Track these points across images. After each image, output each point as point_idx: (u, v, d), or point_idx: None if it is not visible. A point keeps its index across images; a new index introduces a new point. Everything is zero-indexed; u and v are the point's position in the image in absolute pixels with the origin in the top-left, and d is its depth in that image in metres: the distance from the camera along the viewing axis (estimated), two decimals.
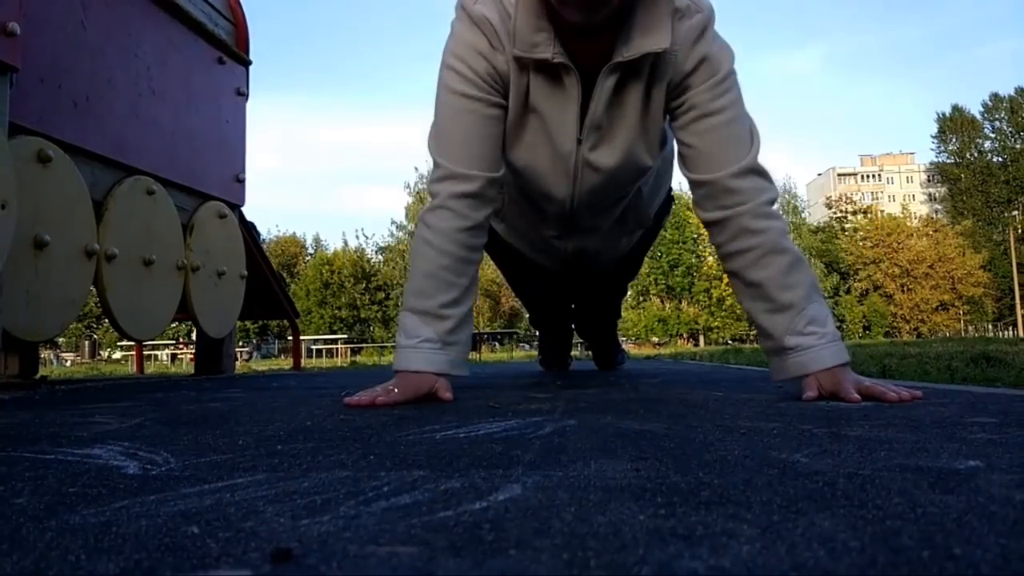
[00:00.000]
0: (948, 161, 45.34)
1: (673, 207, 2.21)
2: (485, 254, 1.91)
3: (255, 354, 25.58)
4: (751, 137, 1.32)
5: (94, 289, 2.32)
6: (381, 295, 32.25)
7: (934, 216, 44.36)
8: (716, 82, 1.30)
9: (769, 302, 1.25)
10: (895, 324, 35.49)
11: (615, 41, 1.27)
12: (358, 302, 32.00)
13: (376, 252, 34.77)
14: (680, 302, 33.77)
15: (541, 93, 1.34)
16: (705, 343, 31.68)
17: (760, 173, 1.30)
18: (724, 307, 34.16)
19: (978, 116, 44.70)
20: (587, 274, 2.08)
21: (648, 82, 1.33)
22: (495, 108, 1.34)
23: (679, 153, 1.39)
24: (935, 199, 49.19)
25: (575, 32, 1.26)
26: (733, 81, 1.33)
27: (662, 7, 1.24)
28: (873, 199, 50.23)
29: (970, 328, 36.15)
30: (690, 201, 1.40)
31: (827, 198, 45.20)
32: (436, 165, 1.35)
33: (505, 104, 1.36)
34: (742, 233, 1.27)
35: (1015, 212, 40.96)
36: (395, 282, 31.72)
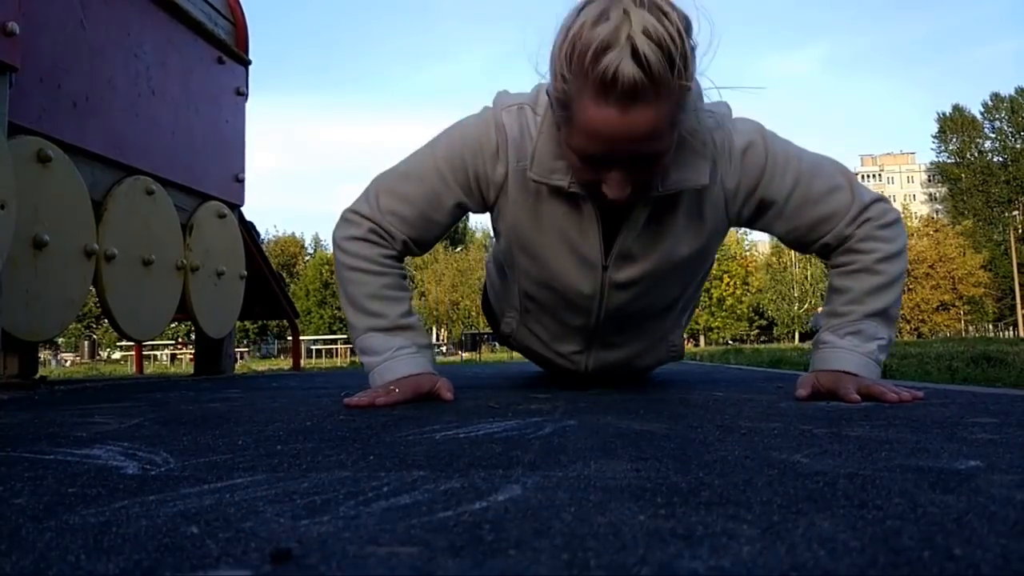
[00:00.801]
0: (948, 161, 45.40)
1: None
2: (487, 249, 1.86)
3: (247, 353, 25.56)
4: (839, 177, 1.27)
5: (93, 289, 2.32)
6: None
7: (934, 216, 44.39)
8: (772, 163, 1.24)
9: (834, 305, 1.26)
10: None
11: None
12: None
13: None
14: None
15: (559, 214, 1.28)
16: (705, 343, 31.69)
17: (873, 203, 1.26)
18: (724, 307, 34.16)
19: (978, 116, 44.81)
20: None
21: (694, 209, 1.27)
22: (455, 204, 1.30)
23: (783, 240, 1.35)
24: (935, 199, 49.23)
25: None
26: (780, 145, 1.26)
27: (696, 142, 1.17)
28: None
29: (970, 328, 36.17)
30: None
31: None
32: (368, 198, 1.32)
33: (473, 208, 1.33)
34: (849, 251, 1.27)
35: (1015, 212, 40.94)
36: None
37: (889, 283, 1.24)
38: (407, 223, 1.30)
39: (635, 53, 0.95)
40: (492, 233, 1.49)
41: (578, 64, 0.99)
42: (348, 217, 1.33)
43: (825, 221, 1.26)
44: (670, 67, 0.97)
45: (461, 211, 1.33)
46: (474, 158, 1.27)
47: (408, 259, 1.44)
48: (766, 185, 1.25)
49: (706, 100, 1.16)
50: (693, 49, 1.02)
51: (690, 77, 1.02)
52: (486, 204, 1.33)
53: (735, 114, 1.28)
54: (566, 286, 1.37)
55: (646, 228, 1.27)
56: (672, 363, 1.88)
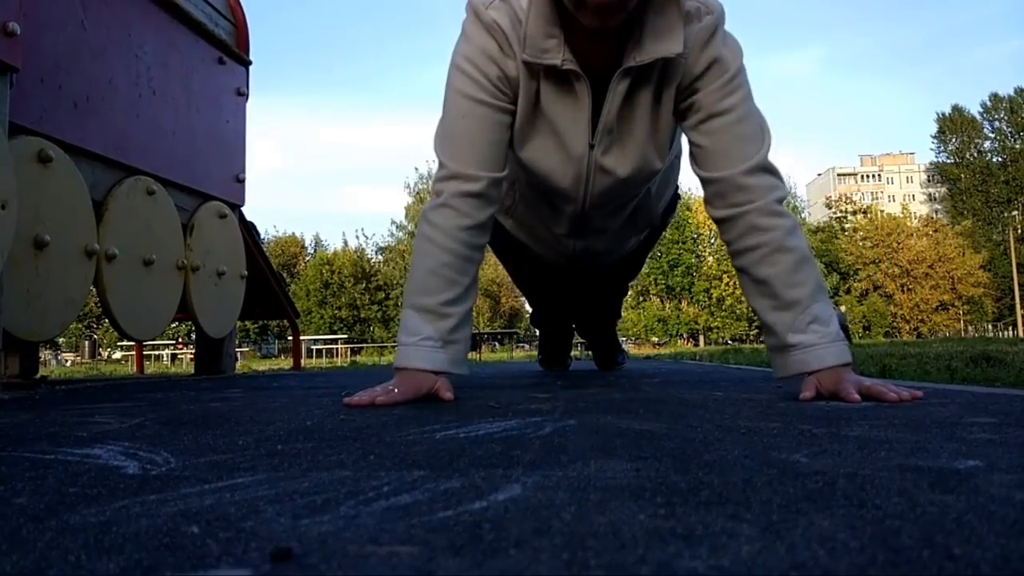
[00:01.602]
0: (948, 161, 45.35)
1: (678, 205, 2.22)
2: (488, 249, 1.92)
3: (247, 353, 25.55)
4: (761, 134, 1.32)
5: (94, 289, 2.32)
6: (381, 295, 32.26)
7: (934, 216, 44.36)
8: (725, 82, 1.31)
9: (774, 299, 1.26)
10: (895, 324, 35.48)
11: (627, 46, 1.28)
12: (358, 302, 32.00)
13: (376, 252, 34.84)
14: (680, 302, 33.75)
15: (552, 97, 1.35)
16: (705, 343, 31.68)
17: (770, 171, 1.31)
18: (724, 307, 34.15)
19: (978, 116, 44.73)
20: (591, 269, 2.09)
21: (658, 85, 1.34)
22: (502, 112, 1.35)
23: (690, 152, 1.40)
24: (935, 199, 49.20)
25: (588, 37, 1.26)
26: (742, 79, 1.33)
27: (673, 12, 1.25)
28: (873, 199, 50.23)
29: (970, 328, 36.16)
30: (690, 202, 1.41)
31: (827, 198, 45.23)
32: (441, 165, 1.35)
33: (513, 108, 1.37)
34: (750, 231, 1.28)
35: (1015, 212, 40.92)
36: (395, 282, 31.76)
37: (805, 257, 1.26)
38: (483, 160, 1.33)
39: None
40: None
41: None
42: (434, 188, 1.36)
43: (730, 157, 1.30)
44: None
45: (511, 115, 1.38)
46: (489, 67, 1.33)
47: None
48: (707, 94, 1.32)
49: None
50: None
51: None
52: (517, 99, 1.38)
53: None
54: (554, 176, 1.47)
55: (625, 102, 1.34)
56: (672, 364, 1.93)
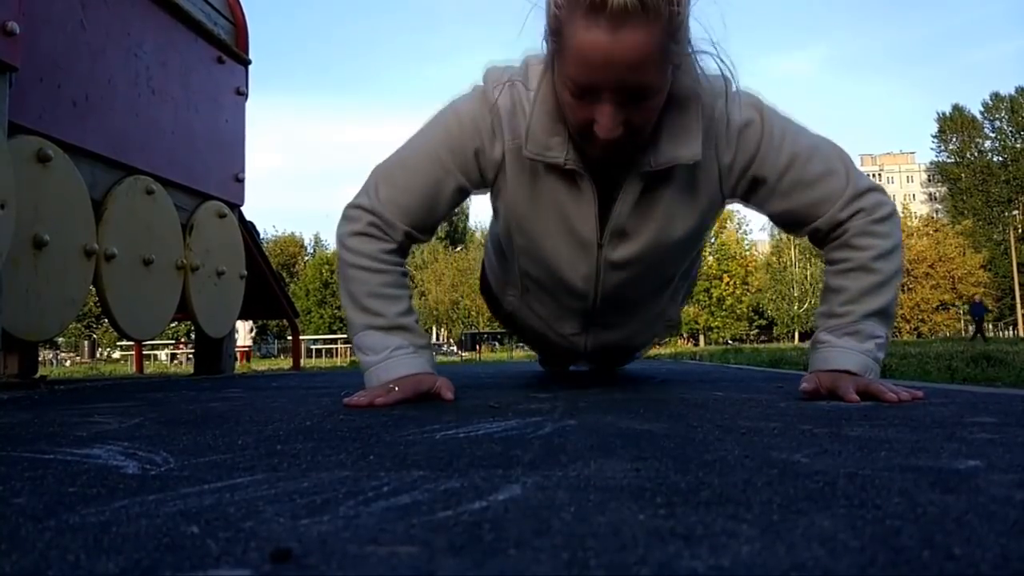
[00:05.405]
0: (948, 160, 45.42)
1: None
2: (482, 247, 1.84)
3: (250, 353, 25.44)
4: (831, 162, 1.24)
5: (93, 289, 2.32)
6: None
7: (934, 216, 44.39)
8: (768, 141, 1.23)
9: (831, 305, 1.25)
10: (895, 324, 35.52)
11: (642, 148, 1.20)
12: None
13: None
14: None
15: (556, 189, 1.28)
16: (705, 343, 31.69)
17: (868, 190, 1.24)
18: (724, 307, 34.16)
19: (978, 116, 44.81)
20: (603, 357, 1.93)
21: (688, 184, 1.27)
22: (455, 188, 1.30)
23: (774, 220, 1.34)
24: (935, 199, 49.25)
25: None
26: (779, 123, 1.25)
27: (691, 114, 1.17)
28: None
29: (970, 328, 36.15)
30: None
31: None
32: (369, 190, 1.31)
33: (471, 189, 1.32)
34: (843, 247, 1.25)
35: (1015, 212, 40.97)
36: None
37: (885, 281, 1.23)
38: (409, 212, 1.29)
39: None
40: (491, 212, 1.48)
41: None
42: (349, 213, 1.32)
43: (817, 204, 1.25)
44: None
45: (463, 195, 1.33)
46: (472, 139, 1.27)
47: (408, 258, 1.43)
48: (760, 163, 1.24)
49: (707, 70, 1.16)
50: None
51: (683, 4, 1.02)
52: (486, 182, 1.32)
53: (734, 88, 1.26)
54: (562, 266, 1.37)
55: (640, 204, 1.26)
56: (672, 364, 1.89)
